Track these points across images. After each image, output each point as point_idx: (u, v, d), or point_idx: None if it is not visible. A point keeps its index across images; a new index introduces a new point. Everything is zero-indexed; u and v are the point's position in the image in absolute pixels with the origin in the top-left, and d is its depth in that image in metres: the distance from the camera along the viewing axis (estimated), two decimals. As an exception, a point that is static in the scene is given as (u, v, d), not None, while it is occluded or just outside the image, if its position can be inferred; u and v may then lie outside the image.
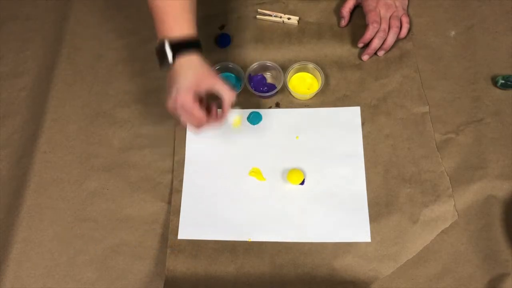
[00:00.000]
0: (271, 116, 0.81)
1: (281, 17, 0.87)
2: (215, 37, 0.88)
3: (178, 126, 0.77)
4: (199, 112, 0.65)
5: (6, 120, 0.84)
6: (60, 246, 0.73)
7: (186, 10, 0.68)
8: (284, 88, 0.81)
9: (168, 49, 0.66)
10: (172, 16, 0.67)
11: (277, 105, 0.81)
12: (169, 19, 0.67)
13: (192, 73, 0.66)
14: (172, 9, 0.67)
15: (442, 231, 0.70)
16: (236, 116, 0.73)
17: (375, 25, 0.81)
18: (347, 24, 0.87)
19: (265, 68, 0.82)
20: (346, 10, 0.86)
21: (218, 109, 0.71)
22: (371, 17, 0.82)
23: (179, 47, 0.66)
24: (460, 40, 0.84)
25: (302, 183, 0.75)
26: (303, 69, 0.82)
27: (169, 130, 0.81)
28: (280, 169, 0.76)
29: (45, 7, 0.95)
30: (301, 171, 0.75)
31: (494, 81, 0.79)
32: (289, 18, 0.87)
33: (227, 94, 0.67)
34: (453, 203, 0.71)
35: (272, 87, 0.82)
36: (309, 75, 0.82)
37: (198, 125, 0.68)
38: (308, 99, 0.81)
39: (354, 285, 0.68)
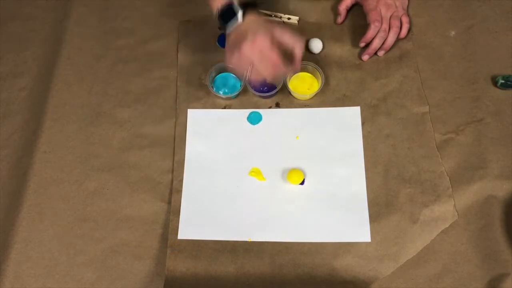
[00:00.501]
0: (271, 116, 0.81)
1: (281, 17, 0.87)
2: (215, 37, 0.88)
3: (245, 80, 0.78)
4: (277, 55, 0.67)
5: (6, 120, 0.84)
6: (60, 246, 0.73)
7: None
8: (284, 88, 0.81)
9: (238, 9, 0.69)
10: None
11: (277, 105, 0.81)
12: None
13: (263, 25, 0.69)
14: None
15: (442, 231, 0.70)
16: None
17: (377, 24, 0.81)
18: (343, 21, 0.87)
19: (265, 68, 0.82)
20: (343, 7, 0.86)
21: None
22: (372, 16, 0.82)
23: (245, 6, 0.70)
24: (460, 40, 0.84)
25: (302, 183, 0.75)
26: (303, 69, 0.82)
27: (169, 130, 0.81)
28: (280, 169, 0.76)
29: (45, 7, 0.95)
30: (301, 171, 0.75)
31: (494, 81, 0.79)
32: (289, 18, 0.87)
33: (298, 43, 0.70)
34: (453, 203, 0.71)
35: (272, 87, 0.82)
36: (309, 75, 0.82)
37: (274, 71, 0.69)
38: (308, 99, 0.81)
39: (354, 285, 0.68)
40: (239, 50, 0.67)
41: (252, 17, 0.70)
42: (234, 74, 0.83)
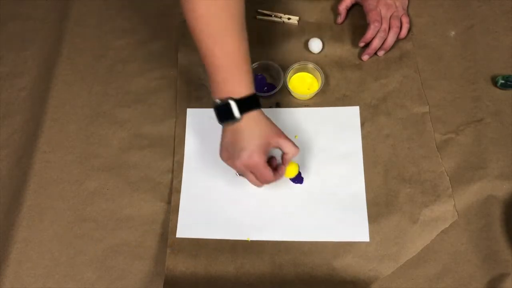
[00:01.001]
0: (271, 115, 0.79)
1: (281, 17, 0.87)
2: (215, 37, 0.88)
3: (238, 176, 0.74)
4: (269, 173, 0.65)
5: (6, 120, 0.84)
6: (60, 246, 0.73)
7: (246, 61, 0.64)
8: (284, 88, 0.81)
9: (235, 107, 0.62)
10: (237, 74, 0.63)
11: (277, 105, 0.81)
12: (233, 78, 0.63)
13: (260, 131, 0.64)
14: (233, 63, 0.63)
15: (442, 231, 0.70)
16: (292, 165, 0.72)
17: (377, 24, 0.81)
18: (343, 21, 0.87)
19: (265, 68, 0.82)
20: (343, 7, 0.86)
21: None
22: (372, 16, 0.82)
23: (244, 104, 0.63)
24: (460, 40, 0.84)
25: (301, 181, 0.75)
26: (303, 69, 0.82)
27: (169, 130, 0.81)
28: (280, 169, 0.76)
29: (45, 7, 0.95)
30: (295, 163, 0.73)
31: (494, 81, 0.79)
32: (289, 18, 0.87)
33: (292, 151, 0.66)
34: (453, 203, 0.71)
35: (272, 87, 0.82)
36: (309, 75, 0.82)
37: (265, 183, 0.67)
38: (308, 99, 0.81)
39: (354, 285, 0.68)
40: (233, 163, 0.64)
41: (252, 117, 0.63)
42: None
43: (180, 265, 0.70)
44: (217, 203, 0.74)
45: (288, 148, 0.65)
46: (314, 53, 0.84)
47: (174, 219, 0.74)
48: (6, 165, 0.80)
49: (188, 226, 0.73)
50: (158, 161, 0.79)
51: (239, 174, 0.69)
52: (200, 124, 0.81)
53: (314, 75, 0.82)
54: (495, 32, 0.84)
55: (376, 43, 0.81)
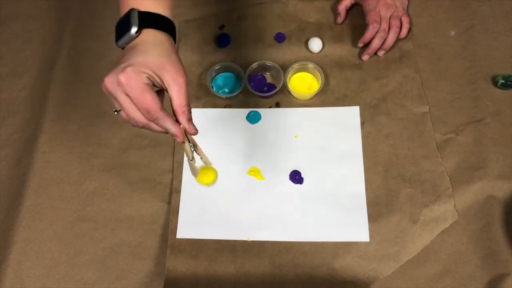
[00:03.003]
0: (270, 115, 0.81)
1: (196, 151, 0.63)
2: (215, 37, 0.88)
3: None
4: (149, 96, 0.49)
5: (6, 120, 0.84)
6: (60, 246, 0.73)
7: None
8: (284, 88, 0.81)
9: (135, 18, 0.52)
10: None
11: (277, 105, 0.81)
12: None
13: (155, 53, 0.52)
14: None
15: (442, 231, 0.70)
16: (206, 166, 0.60)
17: (375, 25, 0.81)
18: (343, 21, 0.87)
19: (265, 68, 0.82)
20: (342, 7, 0.86)
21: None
22: (371, 16, 0.82)
23: (148, 19, 0.53)
24: (460, 40, 0.84)
25: (301, 181, 0.75)
26: (303, 69, 0.82)
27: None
28: (279, 168, 0.76)
29: (45, 7, 0.95)
30: (213, 167, 0.70)
31: (494, 81, 0.79)
32: (201, 158, 0.66)
33: (178, 98, 0.52)
34: (453, 203, 0.71)
35: (272, 87, 0.82)
36: (309, 75, 0.82)
37: (145, 112, 0.50)
38: (308, 99, 0.81)
39: (354, 285, 0.68)
40: (104, 79, 0.50)
41: (152, 36, 0.53)
42: (234, 74, 0.83)
43: (180, 266, 0.70)
44: (217, 203, 0.74)
45: (174, 92, 0.52)
46: (314, 53, 0.84)
47: (174, 220, 0.74)
48: (6, 165, 0.80)
49: (188, 227, 0.73)
50: (158, 161, 0.79)
51: (115, 110, 0.53)
52: (200, 124, 0.79)
53: (314, 75, 0.82)
54: (495, 32, 0.84)
55: (376, 43, 0.81)
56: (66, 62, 0.88)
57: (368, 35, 0.82)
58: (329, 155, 0.77)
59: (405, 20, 0.83)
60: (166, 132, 0.53)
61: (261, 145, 0.78)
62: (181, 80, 0.52)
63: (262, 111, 0.81)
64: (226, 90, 0.83)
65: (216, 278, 0.70)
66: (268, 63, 0.82)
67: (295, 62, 0.81)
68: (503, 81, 0.77)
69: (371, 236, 0.70)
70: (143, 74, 0.50)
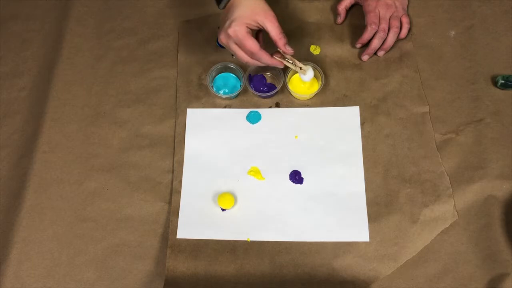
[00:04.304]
0: (270, 115, 0.81)
1: (295, 64, 0.77)
2: (215, 37, 0.88)
3: (234, 57, 0.75)
4: (252, 42, 0.67)
5: (6, 120, 0.84)
6: (60, 246, 0.73)
7: None
8: (284, 88, 0.81)
9: None
10: None
11: (277, 105, 0.81)
12: None
13: (247, 5, 0.68)
14: None
15: (442, 231, 0.70)
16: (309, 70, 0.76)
17: (374, 26, 0.81)
18: (343, 21, 0.87)
19: (265, 68, 0.82)
20: (342, 7, 0.86)
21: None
22: (370, 18, 0.82)
23: None
24: (460, 40, 0.84)
25: (301, 181, 0.75)
26: (303, 69, 0.82)
27: (169, 130, 0.81)
28: (279, 168, 0.76)
29: (45, 7, 0.95)
30: (229, 194, 0.74)
31: (494, 81, 0.79)
32: (300, 68, 0.77)
33: (274, 31, 0.69)
34: (453, 203, 0.71)
35: (272, 87, 0.82)
36: (309, 75, 0.82)
37: (250, 55, 0.69)
38: (308, 99, 0.81)
39: (354, 285, 0.68)
40: (219, 36, 0.70)
41: None
42: (234, 74, 0.83)
43: (180, 266, 0.70)
44: (217, 203, 0.74)
45: (268, 27, 0.69)
46: (305, 81, 0.79)
47: (174, 220, 0.74)
48: (6, 165, 0.80)
49: (188, 227, 0.73)
50: (158, 161, 0.79)
51: (232, 55, 0.74)
52: (200, 124, 0.81)
53: (314, 75, 0.82)
54: (495, 32, 0.84)
55: (375, 44, 0.81)
56: (66, 62, 0.88)
57: (366, 36, 0.82)
58: (329, 155, 0.77)
59: (405, 21, 0.83)
60: (269, 65, 0.71)
61: (261, 145, 0.78)
62: (270, 17, 0.69)
63: (262, 111, 0.81)
64: (226, 90, 0.83)
65: (216, 278, 0.70)
66: (268, 63, 0.81)
67: (295, 62, 0.81)
68: (503, 81, 0.77)
69: (371, 236, 0.70)
70: (243, 25, 0.67)
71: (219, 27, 0.87)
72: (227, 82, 0.83)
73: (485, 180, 0.72)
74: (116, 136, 0.81)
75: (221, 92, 0.82)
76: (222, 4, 0.71)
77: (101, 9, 0.93)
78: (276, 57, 0.73)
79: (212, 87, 0.82)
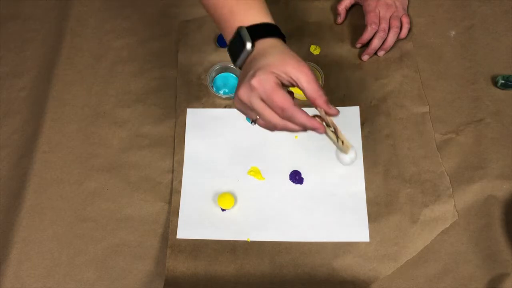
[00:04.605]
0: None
1: (337, 135, 0.58)
2: (215, 37, 0.88)
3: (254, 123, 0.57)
4: (281, 94, 0.51)
5: (6, 120, 0.84)
6: (60, 246, 0.73)
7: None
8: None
9: (246, 34, 0.54)
10: (243, 4, 0.56)
11: (277, 105, 0.81)
12: (240, 8, 0.56)
13: (275, 53, 0.53)
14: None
15: (442, 231, 0.70)
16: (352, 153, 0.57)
17: (374, 26, 0.81)
18: (343, 21, 0.87)
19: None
20: (342, 7, 0.86)
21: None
22: (370, 18, 0.82)
23: (259, 31, 0.54)
24: (460, 40, 0.84)
25: (301, 181, 0.75)
26: (303, 69, 0.82)
27: (169, 130, 0.81)
28: (279, 168, 0.76)
29: (45, 7, 0.95)
30: (230, 194, 0.74)
31: (494, 81, 0.79)
32: (342, 142, 0.59)
33: (310, 85, 0.53)
34: (453, 203, 0.71)
35: (272, 87, 0.82)
36: (309, 75, 0.82)
37: (281, 114, 0.52)
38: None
39: (354, 285, 0.68)
40: (237, 94, 0.53)
41: (268, 43, 0.54)
42: (234, 74, 0.83)
43: (180, 266, 0.70)
44: (217, 203, 0.74)
45: (304, 81, 0.52)
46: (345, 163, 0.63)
47: (174, 220, 0.74)
48: (6, 165, 0.80)
49: (188, 227, 0.73)
50: (158, 161, 0.79)
51: (252, 121, 0.56)
52: (200, 124, 0.81)
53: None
54: (495, 32, 0.84)
55: (375, 43, 0.81)
56: (66, 62, 0.88)
57: (365, 36, 0.82)
58: (329, 155, 0.77)
59: (405, 21, 0.83)
60: (304, 129, 0.54)
61: (261, 145, 0.78)
62: (305, 69, 0.53)
63: (262, 111, 0.81)
64: (226, 90, 0.83)
65: (216, 278, 0.70)
66: (268, 63, 0.81)
67: (295, 62, 0.81)
68: (503, 81, 0.77)
69: (371, 236, 0.70)
70: (272, 74, 0.51)
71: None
72: (227, 82, 0.83)
73: (485, 180, 0.72)
74: (116, 136, 0.81)
75: (221, 92, 0.82)
76: (240, 60, 0.56)
77: (101, 9, 0.93)
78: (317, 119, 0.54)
79: (212, 87, 0.82)
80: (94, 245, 0.73)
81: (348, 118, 0.79)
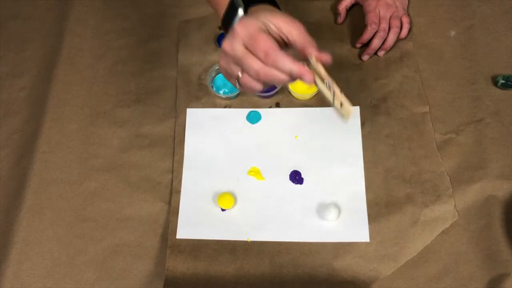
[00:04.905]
0: (270, 115, 0.81)
1: (333, 90, 0.55)
2: (215, 37, 0.88)
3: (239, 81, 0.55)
4: (265, 37, 0.48)
5: (6, 120, 0.84)
6: (60, 246, 0.73)
7: None
8: (284, 88, 0.81)
9: (239, 1, 0.54)
10: None
11: (277, 105, 0.81)
12: None
13: (265, 11, 0.51)
14: None
15: (442, 231, 0.70)
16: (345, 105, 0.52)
17: (374, 26, 0.81)
18: (343, 21, 0.87)
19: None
20: (342, 6, 0.86)
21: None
22: (370, 18, 0.82)
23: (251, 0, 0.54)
24: (460, 40, 0.84)
25: (301, 181, 0.75)
26: (303, 69, 0.82)
27: (169, 130, 0.81)
28: (279, 168, 0.76)
29: (45, 7, 0.95)
30: (230, 194, 0.74)
31: (494, 81, 0.79)
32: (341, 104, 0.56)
33: (298, 34, 0.50)
34: (453, 203, 0.71)
35: (272, 87, 0.82)
36: (309, 75, 0.82)
37: (264, 58, 0.48)
38: (308, 99, 0.81)
39: (354, 285, 0.68)
40: (221, 49, 0.52)
41: (259, 7, 0.53)
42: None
43: (180, 266, 0.70)
44: (217, 203, 0.74)
45: (295, 33, 0.51)
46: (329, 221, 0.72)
47: (174, 220, 0.73)
48: (6, 165, 0.80)
49: (188, 227, 0.73)
50: (158, 161, 0.79)
51: (236, 79, 0.53)
52: (200, 124, 0.81)
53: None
54: (495, 32, 0.84)
55: (375, 43, 0.81)
56: (66, 62, 0.88)
57: (365, 36, 0.82)
58: (329, 155, 0.77)
59: (406, 20, 0.83)
60: (291, 77, 0.50)
61: (261, 145, 0.78)
62: (298, 24, 0.51)
63: (262, 111, 0.81)
64: (226, 90, 0.83)
65: (216, 278, 0.70)
66: (268, 63, 0.81)
67: (295, 62, 0.81)
68: (503, 81, 0.77)
69: (371, 236, 0.70)
70: (258, 20, 0.49)
71: (219, 28, 0.87)
72: (227, 82, 0.83)
73: (485, 180, 0.72)
74: (116, 136, 0.81)
75: (221, 92, 0.82)
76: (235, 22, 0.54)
77: (101, 9, 0.93)
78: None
79: (212, 87, 0.82)
80: (94, 245, 0.73)
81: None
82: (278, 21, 0.50)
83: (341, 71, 0.83)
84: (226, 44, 0.50)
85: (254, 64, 0.49)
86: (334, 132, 0.78)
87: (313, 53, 0.50)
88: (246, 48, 0.49)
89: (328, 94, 0.51)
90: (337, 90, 0.51)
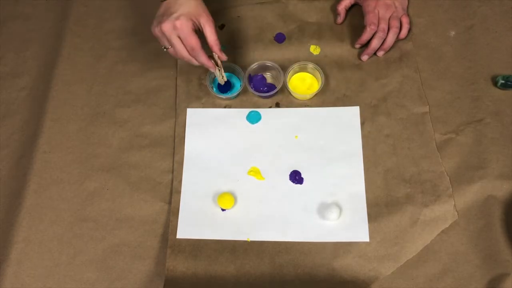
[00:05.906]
0: (270, 115, 0.81)
1: (222, 75, 0.80)
2: (215, 37, 0.88)
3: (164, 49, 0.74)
4: (195, 38, 0.69)
5: (6, 120, 0.84)
6: (60, 246, 0.73)
7: None
8: (284, 88, 0.81)
9: None
10: None
11: (277, 105, 0.81)
12: None
13: (192, 5, 0.70)
14: None
15: (442, 231, 0.70)
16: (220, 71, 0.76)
17: (373, 26, 0.81)
18: (343, 21, 0.87)
19: (265, 68, 0.82)
20: (342, 7, 0.86)
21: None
22: (369, 18, 0.82)
23: None
24: (460, 40, 0.84)
25: (301, 181, 0.75)
26: (303, 69, 0.82)
27: (169, 130, 0.81)
28: (279, 168, 0.76)
29: (45, 7, 0.95)
30: (229, 194, 0.74)
31: (494, 81, 0.79)
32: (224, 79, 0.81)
33: (210, 37, 0.71)
34: (453, 203, 0.71)
35: (272, 87, 0.82)
36: (309, 75, 0.82)
37: (190, 50, 0.70)
38: (308, 99, 0.81)
39: (354, 285, 0.68)
40: (161, 26, 0.69)
41: None
42: (234, 74, 0.83)
43: (180, 266, 0.70)
44: (217, 203, 0.74)
45: (208, 31, 0.71)
46: (330, 221, 0.72)
47: (174, 220, 0.74)
48: (6, 165, 0.80)
49: (188, 227, 0.73)
50: (158, 161, 0.79)
51: (165, 47, 0.73)
52: (200, 124, 0.81)
53: (314, 75, 0.82)
54: (495, 32, 0.84)
55: (375, 44, 0.81)
56: (66, 62, 0.88)
57: (365, 36, 0.82)
58: (329, 155, 0.77)
59: (405, 21, 0.83)
60: (201, 65, 0.74)
61: (261, 145, 0.78)
62: (210, 22, 0.72)
63: (262, 111, 0.81)
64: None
65: (216, 278, 0.70)
66: (268, 63, 0.81)
67: (295, 62, 0.81)
68: (503, 81, 0.77)
69: (371, 236, 0.70)
70: (191, 21, 0.69)
71: (219, 27, 0.87)
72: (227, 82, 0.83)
73: (485, 180, 0.72)
74: (116, 136, 0.81)
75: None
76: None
77: (101, 9, 0.93)
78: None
79: (212, 87, 0.82)
80: (94, 245, 0.73)
81: (348, 118, 0.79)
82: (201, 20, 0.71)
83: (341, 71, 0.83)
84: (167, 29, 0.69)
85: (183, 53, 0.71)
86: (334, 132, 0.78)
87: (217, 53, 0.74)
88: (179, 37, 0.70)
89: (217, 75, 0.77)
90: (222, 71, 0.77)
